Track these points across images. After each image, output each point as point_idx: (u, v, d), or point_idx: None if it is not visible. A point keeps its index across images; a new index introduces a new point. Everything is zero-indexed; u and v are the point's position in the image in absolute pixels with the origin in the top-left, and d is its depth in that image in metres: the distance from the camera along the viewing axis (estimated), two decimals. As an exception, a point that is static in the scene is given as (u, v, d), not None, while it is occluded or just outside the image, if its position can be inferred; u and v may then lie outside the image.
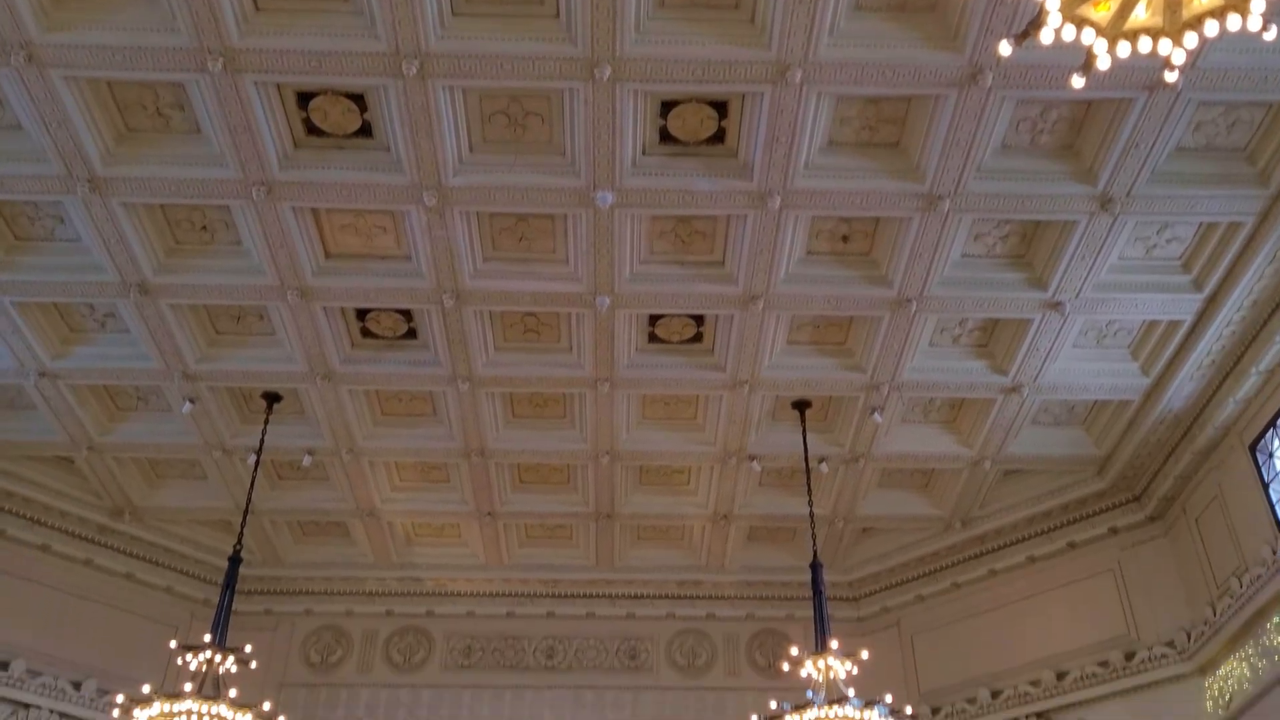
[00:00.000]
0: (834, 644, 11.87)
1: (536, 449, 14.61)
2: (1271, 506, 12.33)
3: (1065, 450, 14.56)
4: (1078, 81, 5.52)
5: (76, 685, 14.76)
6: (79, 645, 15.07)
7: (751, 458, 14.59)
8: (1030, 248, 11.66)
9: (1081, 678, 14.28)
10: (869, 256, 11.74)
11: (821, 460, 14.46)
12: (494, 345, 12.92)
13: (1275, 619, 11.96)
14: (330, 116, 10.10)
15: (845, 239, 11.56)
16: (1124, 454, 14.20)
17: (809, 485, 13.75)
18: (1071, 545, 15.17)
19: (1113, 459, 14.44)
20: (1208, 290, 11.67)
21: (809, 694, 11.51)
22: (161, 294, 11.87)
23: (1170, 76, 5.44)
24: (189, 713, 11.34)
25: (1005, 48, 5.64)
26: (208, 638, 11.99)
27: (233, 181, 10.46)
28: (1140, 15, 5.14)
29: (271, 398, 13.66)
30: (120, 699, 11.66)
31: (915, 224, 10.95)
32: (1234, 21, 5.02)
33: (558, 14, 9.10)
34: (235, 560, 12.98)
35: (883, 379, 13.09)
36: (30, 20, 8.98)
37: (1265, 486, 12.46)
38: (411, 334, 12.84)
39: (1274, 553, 11.83)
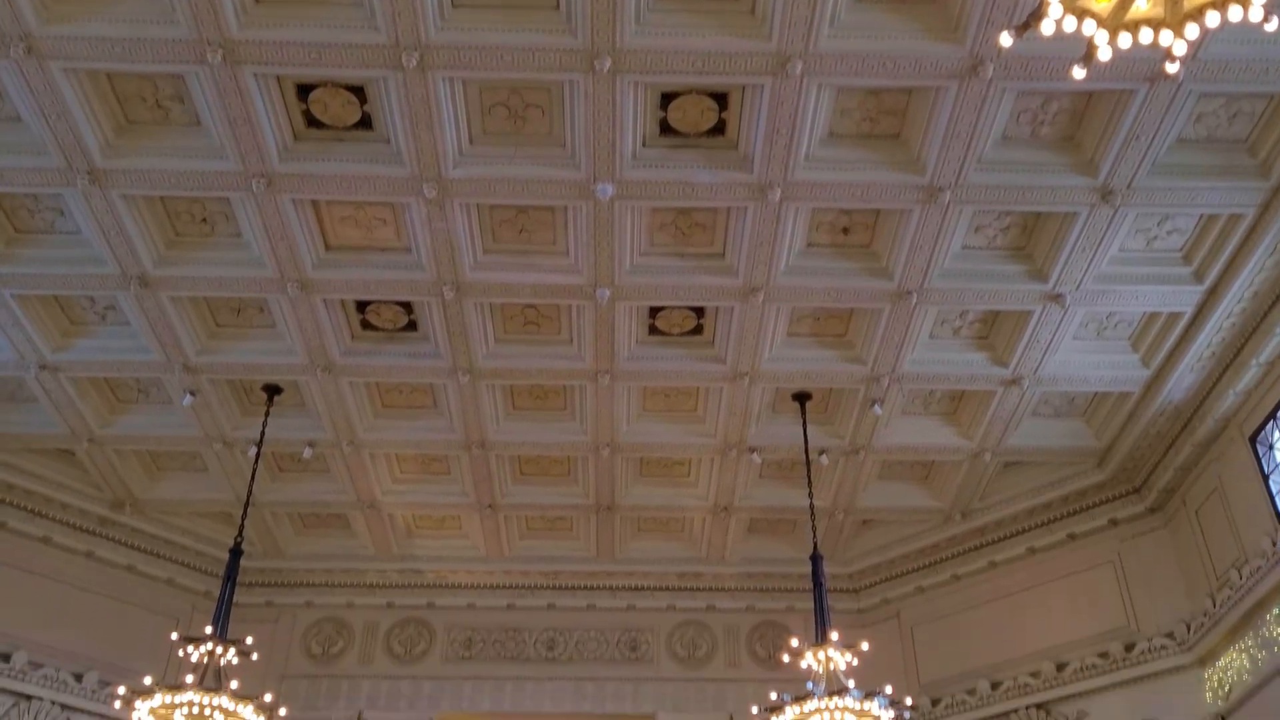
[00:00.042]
0: (834, 635, 11.89)
1: (537, 441, 14.62)
2: (1271, 498, 12.34)
3: (1065, 442, 14.57)
4: (1079, 73, 5.51)
5: (78, 677, 14.80)
6: (80, 637, 15.09)
7: (752, 450, 14.61)
8: (1031, 239, 11.66)
9: (1081, 669, 14.31)
10: (869, 249, 11.73)
11: (822, 452, 14.47)
12: (494, 337, 12.93)
13: (1275, 610, 11.98)
14: (330, 109, 10.09)
15: (846, 231, 11.56)
16: (1124, 446, 14.22)
17: (809, 477, 13.76)
18: (1071, 537, 15.19)
19: (1113, 451, 14.46)
20: (1208, 282, 11.67)
21: (809, 685, 11.54)
22: (162, 286, 11.87)
23: (1171, 68, 5.43)
24: (190, 704, 11.37)
25: (1006, 39, 5.64)
26: (209, 629, 12.01)
27: (233, 174, 10.45)
28: (1141, 6, 5.14)
29: (272, 390, 13.68)
30: (122, 690, 11.67)
31: (916, 216, 10.94)
32: (1235, 12, 5.02)
33: (558, 5, 9.08)
34: (236, 552, 13.00)
35: (883, 371, 13.10)
36: (29, 12, 8.98)
37: (1265, 478, 12.47)
38: (412, 326, 12.84)
39: (1274, 544, 11.84)
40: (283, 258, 11.49)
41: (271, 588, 17.17)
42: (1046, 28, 5.25)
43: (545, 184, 10.57)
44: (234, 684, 11.71)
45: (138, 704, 11.44)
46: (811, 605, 12.80)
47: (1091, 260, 11.45)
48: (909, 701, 12.37)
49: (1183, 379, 12.90)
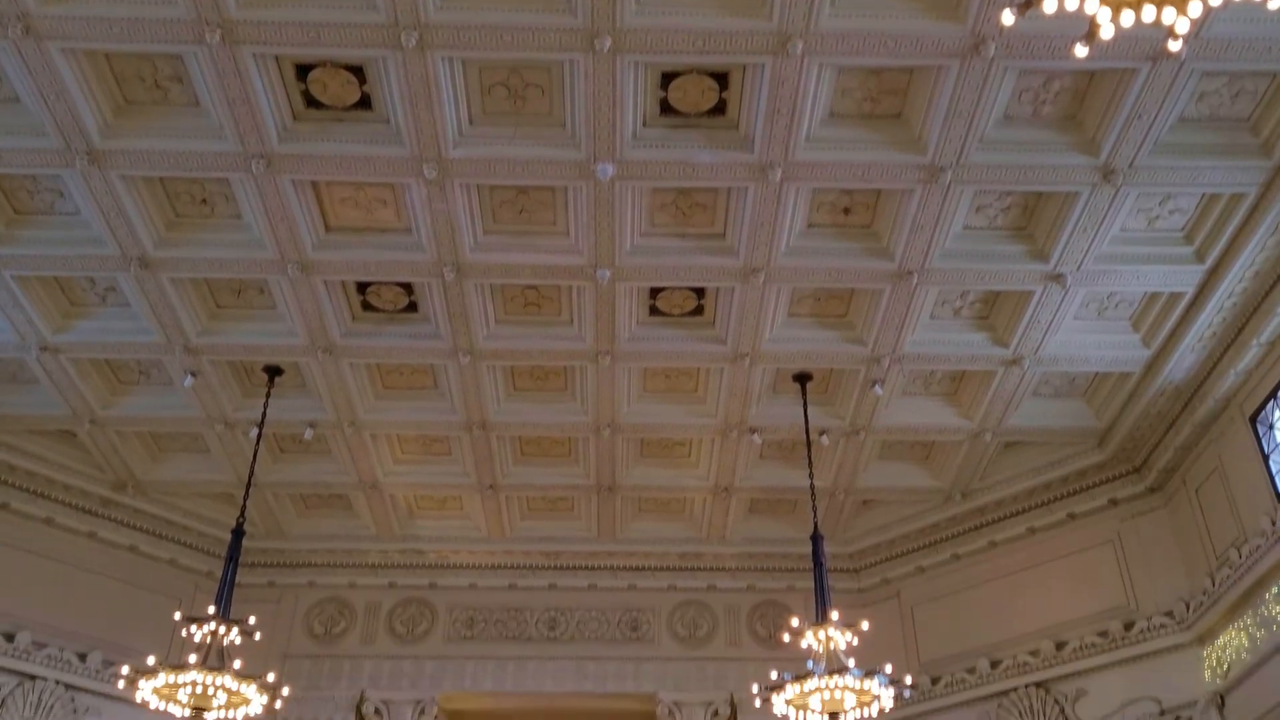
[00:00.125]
0: (834, 615, 11.94)
1: (538, 422, 14.64)
2: (1271, 478, 12.36)
3: (1066, 422, 14.59)
4: (1081, 51, 5.50)
5: (82, 657, 14.87)
6: (84, 617, 15.16)
7: (752, 430, 14.63)
8: (1032, 219, 11.63)
9: (1081, 648, 14.37)
10: (870, 229, 11.71)
11: (822, 433, 14.49)
12: (495, 318, 12.93)
13: (1274, 589, 12.02)
14: (329, 89, 10.05)
15: (847, 211, 11.53)
16: (1124, 426, 14.23)
17: (810, 457, 13.78)
18: (1071, 516, 15.23)
19: (1113, 431, 14.47)
20: (1209, 262, 11.65)
21: (809, 664, 11.59)
22: (162, 267, 11.86)
23: (1174, 46, 5.41)
24: (194, 684, 11.44)
25: (1008, 17, 5.62)
26: (212, 610, 12.06)
27: (232, 154, 10.43)
28: (1144, -16, 5.12)
29: (273, 371, 13.68)
30: (125, 670, 11.76)
31: (917, 196, 10.92)
32: (1238, -10, 4.99)
33: (557, -16, 9.05)
34: (238, 533, 13.05)
35: (884, 351, 13.10)
36: (27, -8, 8.94)
37: (1265, 458, 12.48)
38: (412, 307, 12.84)
39: (1273, 524, 11.87)
40: (283, 239, 11.47)
41: (274, 568, 17.24)
42: (1048, 6, 5.23)
43: (545, 164, 10.55)
44: (237, 663, 11.78)
45: (141, 683, 11.51)
46: (812, 585, 12.85)
47: (1093, 240, 11.43)
48: (909, 680, 12.45)
49: (1183, 359, 12.90)
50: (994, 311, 12.90)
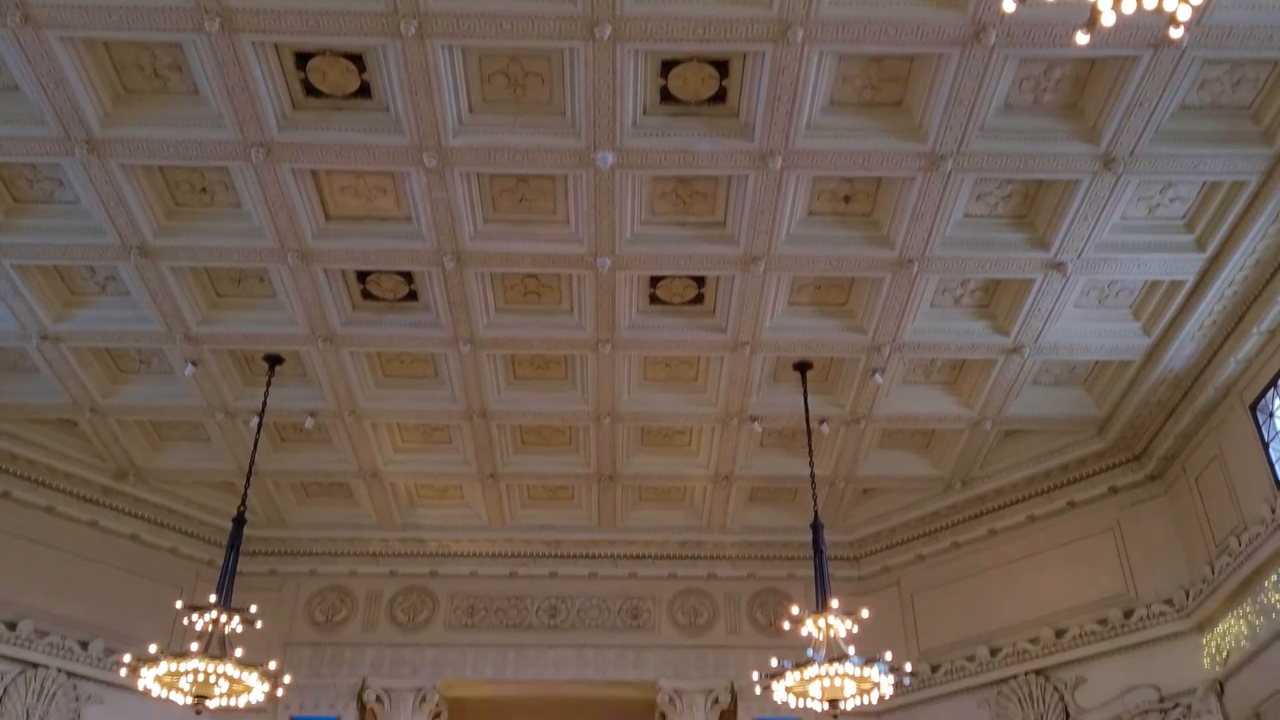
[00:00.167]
0: (834, 603, 11.97)
1: (538, 410, 14.65)
2: (1271, 466, 12.37)
3: (1066, 410, 14.59)
4: (1082, 39, 5.49)
5: (84, 645, 14.92)
6: (85, 606, 15.21)
7: (753, 419, 14.63)
8: (1033, 208, 11.62)
9: (1080, 635, 14.41)
10: (871, 217, 11.70)
11: (822, 421, 14.49)
12: (495, 307, 12.92)
13: (1273, 577, 12.04)
14: (329, 77, 10.03)
15: (847, 199, 11.52)
16: (1124, 414, 14.23)
17: (810, 446, 13.79)
18: (1071, 505, 15.25)
19: (1113, 419, 14.48)
20: (1210, 250, 11.64)
21: (809, 652, 11.63)
22: (162, 256, 11.86)
23: (1175, 33, 5.40)
24: (195, 671, 11.47)
25: (1009, 5, 5.61)
26: (213, 598, 12.08)
27: (231, 143, 10.41)
28: (1145, -29, 5.11)
29: (273, 360, 13.69)
30: (127, 658, 11.79)
31: (917, 184, 10.90)
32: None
33: (557, -28, 9.02)
34: (239, 521, 13.06)
35: (884, 340, 13.09)
36: (25, -20, 8.91)
37: (1265, 446, 12.49)
38: (412, 296, 12.83)
39: (1273, 512, 11.89)
40: (283, 227, 11.46)
41: (275, 556, 17.28)
42: (1049, -7, 5.21)
43: (545, 153, 10.53)
44: (238, 652, 11.81)
45: (143, 671, 11.55)
46: (812, 573, 12.88)
47: (1093, 228, 11.42)
48: (908, 668, 12.47)
49: (1184, 347, 12.90)
50: (994, 300, 12.89)
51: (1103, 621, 14.28)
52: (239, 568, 13.08)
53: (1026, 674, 14.74)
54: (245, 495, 13.49)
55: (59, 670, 14.61)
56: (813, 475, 13.71)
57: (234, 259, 11.99)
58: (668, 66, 9.93)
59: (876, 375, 13.59)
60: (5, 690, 14.11)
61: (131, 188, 11.03)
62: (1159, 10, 5.14)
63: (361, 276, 12.56)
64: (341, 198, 11.44)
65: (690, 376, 14.31)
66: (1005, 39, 9.30)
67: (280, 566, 17.26)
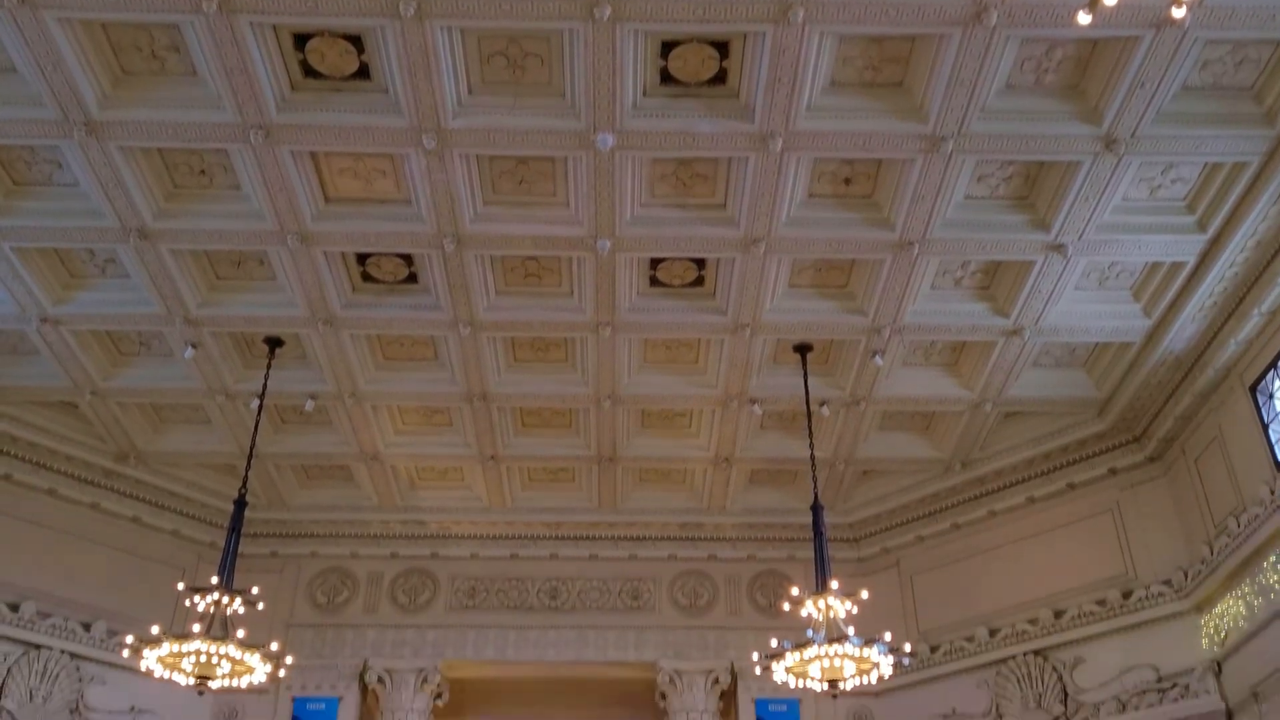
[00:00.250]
0: (834, 584, 12.01)
1: (538, 393, 14.66)
2: (1270, 447, 12.39)
3: (1066, 392, 14.60)
4: (1084, 19, 5.46)
5: (86, 626, 14.99)
6: (88, 587, 15.27)
7: (753, 401, 14.64)
8: (1034, 189, 11.59)
9: (1079, 616, 14.46)
10: (871, 199, 11.67)
11: (823, 403, 14.50)
12: (495, 289, 12.91)
13: (1272, 558, 12.07)
14: (327, 58, 9.99)
15: (847, 181, 11.49)
16: (1124, 395, 14.24)
17: (810, 428, 13.80)
18: (1071, 486, 15.28)
19: (1113, 400, 14.49)
20: (1211, 231, 11.62)
21: (809, 633, 11.67)
22: (161, 239, 11.84)
23: (1178, 13, 5.38)
24: (198, 653, 11.52)
25: (1010, -15, 5.57)
26: (215, 580, 12.13)
27: (230, 125, 10.38)
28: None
29: (273, 342, 13.69)
30: (130, 639, 11.84)
31: (918, 166, 10.87)
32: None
33: (556, -48, 8.97)
34: (240, 504, 13.09)
35: (884, 322, 13.09)
36: (22, -39, 8.87)
37: (1265, 427, 12.50)
38: (412, 278, 12.82)
39: (1272, 493, 11.91)
40: (282, 210, 11.44)
41: (276, 538, 17.33)
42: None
43: (545, 134, 10.49)
44: (240, 633, 11.86)
45: (146, 653, 11.60)
46: (812, 554, 12.91)
47: (1094, 210, 11.39)
48: (908, 648, 12.54)
49: (1184, 329, 12.89)
50: (995, 281, 12.88)
51: (1102, 602, 14.33)
52: (240, 549, 13.12)
53: (1025, 654, 14.81)
54: (246, 477, 13.51)
55: (62, 651, 14.69)
56: (813, 457, 13.72)
57: (233, 241, 11.97)
58: (668, 47, 9.89)
59: (877, 357, 13.59)
60: (9, 671, 14.18)
61: (130, 170, 11.01)
62: (1161, -10, 5.12)
63: (361, 259, 12.54)
64: (341, 180, 11.41)
65: (690, 359, 14.31)
66: (1007, 19, 9.26)
67: (281, 548, 17.32)
